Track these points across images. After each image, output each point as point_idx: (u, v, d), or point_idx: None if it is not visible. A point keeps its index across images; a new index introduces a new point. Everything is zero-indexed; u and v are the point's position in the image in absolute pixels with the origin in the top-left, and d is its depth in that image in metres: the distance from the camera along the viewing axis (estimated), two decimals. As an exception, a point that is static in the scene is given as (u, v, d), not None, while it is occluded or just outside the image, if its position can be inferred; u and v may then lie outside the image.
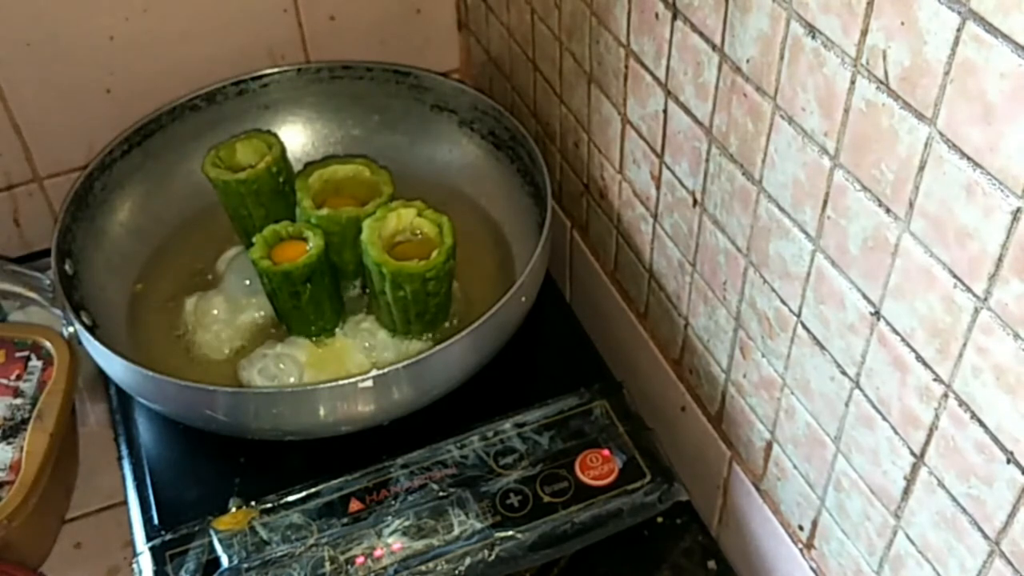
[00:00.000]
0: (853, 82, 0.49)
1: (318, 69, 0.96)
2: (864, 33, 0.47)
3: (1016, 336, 0.43)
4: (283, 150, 0.88)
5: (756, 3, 0.54)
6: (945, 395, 0.49)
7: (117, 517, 0.84)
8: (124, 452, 0.82)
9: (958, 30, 0.41)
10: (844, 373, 0.57)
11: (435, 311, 0.81)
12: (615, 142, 0.78)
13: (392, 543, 0.71)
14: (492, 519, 0.72)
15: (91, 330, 0.78)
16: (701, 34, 0.61)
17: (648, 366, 0.83)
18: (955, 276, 0.46)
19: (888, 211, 0.49)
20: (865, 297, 0.53)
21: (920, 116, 0.45)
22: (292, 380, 0.80)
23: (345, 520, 0.72)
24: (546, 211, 0.81)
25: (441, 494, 0.73)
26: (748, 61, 0.57)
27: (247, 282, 0.88)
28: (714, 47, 0.60)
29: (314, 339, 0.83)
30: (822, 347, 0.58)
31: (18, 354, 0.86)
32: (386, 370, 0.71)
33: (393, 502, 0.73)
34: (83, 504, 0.87)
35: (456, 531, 0.71)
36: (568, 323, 0.91)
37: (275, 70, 0.96)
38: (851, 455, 0.59)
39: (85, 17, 0.91)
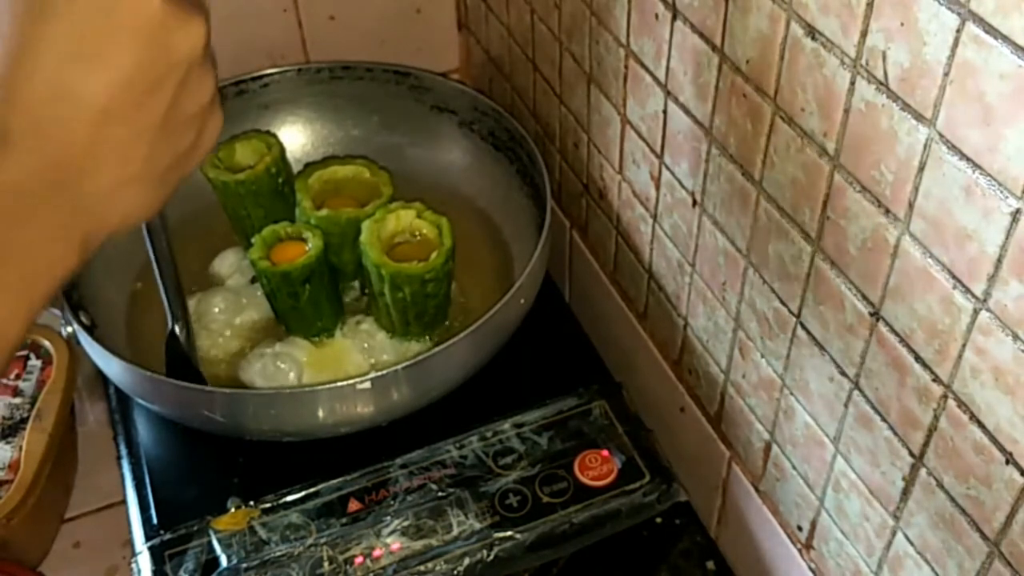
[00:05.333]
0: (853, 83, 0.49)
1: (318, 69, 0.96)
2: (864, 34, 0.47)
3: (1015, 337, 0.43)
4: (282, 150, 0.88)
5: (756, 4, 0.54)
6: (944, 396, 0.49)
7: (116, 516, 0.84)
8: (123, 451, 0.82)
9: (958, 31, 0.41)
10: (843, 374, 0.57)
11: (434, 312, 0.81)
12: (615, 142, 0.78)
13: (391, 543, 0.71)
14: (491, 519, 0.72)
15: (90, 330, 0.78)
16: (701, 34, 0.61)
17: (647, 366, 0.83)
18: (954, 277, 0.46)
19: (887, 212, 0.49)
20: (864, 298, 0.53)
21: (920, 117, 0.45)
22: (292, 378, 0.80)
23: (344, 520, 0.72)
24: (545, 212, 0.81)
25: (440, 494, 0.73)
26: (748, 62, 0.57)
27: (247, 282, 0.88)
28: (714, 47, 0.60)
29: (313, 340, 0.83)
30: (821, 348, 0.58)
31: (17, 353, 0.86)
32: (385, 372, 0.71)
33: (392, 502, 0.73)
34: (82, 503, 0.87)
35: (455, 531, 0.71)
36: (567, 324, 0.91)
37: (275, 70, 0.96)
38: (850, 456, 0.59)
39: (85, 17, 0.91)
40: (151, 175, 0.46)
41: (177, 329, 0.75)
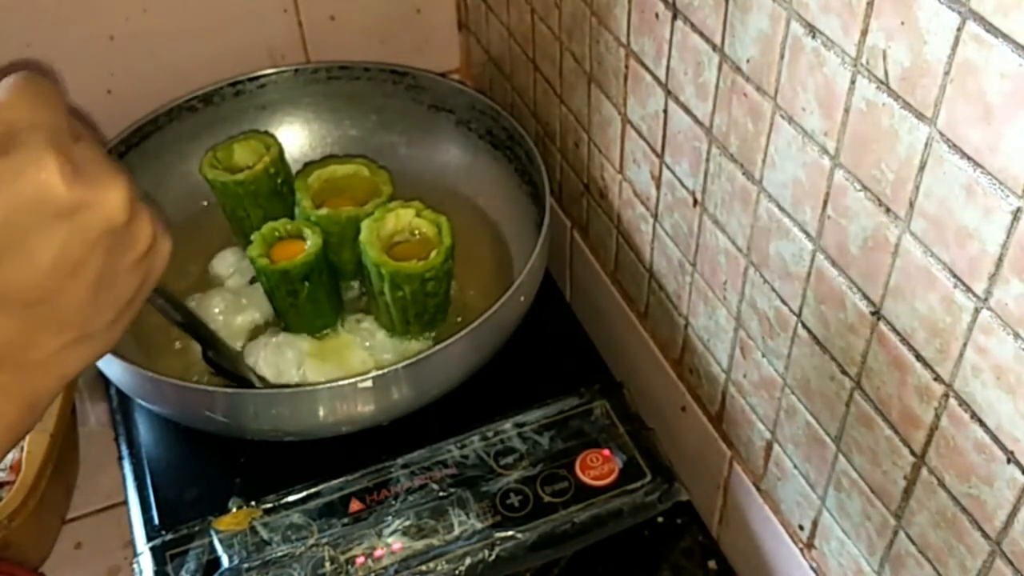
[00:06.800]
0: (853, 82, 0.49)
1: (315, 70, 0.96)
2: (864, 33, 0.47)
3: (1016, 336, 0.43)
4: (281, 151, 0.88)
5: (756, 3, 0.54)
6: (945, 395, 0.49)
7: (117, 517, 0.84)
8: (124, 452, 0.82)
9: (958, 30, 0.41)
10: (844, 373, 0.57)
11: (434, 311, 0.81)
12: (615, 142, 0.78)
13: (392, 543, 0.71)
14: (492, 519, 0.72)
15: (90, 331, 0.78)
16: (701, 34, 0.61)
17: (648, 366, 0.83)
18: (955, 276, 0.46)
19: (888, 211, 0.49)
20: (865, 297, 0.53)
21: (920, 116, 0.45)
22: (294, 370, 0.81)
23: (345, 520, 0.72)
24: (545, 210, 0.81)
25: (441, 494, 0.73)
26: (748, 61, 0.57)
27: (246, 283, 0.88)
28: (714, 47, 0.60)
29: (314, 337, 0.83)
30: (822, 347, 0.58)
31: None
32: (386, 370, 0.71)
33: (393, 502, 0.73)
34: (83, 504, 0.87)
35: (456, 531, 0.71)
36: (568, 323, 0.91)
37: (272, 71, 0.96)
38: (851, 455, 0.59)
39: (85, 17, 0.91)
40: (96, 330, 0.43)
41: (211, 354, 0.76)
